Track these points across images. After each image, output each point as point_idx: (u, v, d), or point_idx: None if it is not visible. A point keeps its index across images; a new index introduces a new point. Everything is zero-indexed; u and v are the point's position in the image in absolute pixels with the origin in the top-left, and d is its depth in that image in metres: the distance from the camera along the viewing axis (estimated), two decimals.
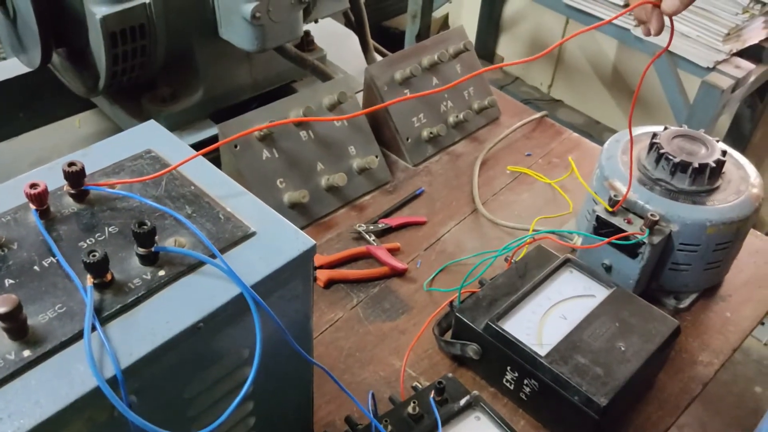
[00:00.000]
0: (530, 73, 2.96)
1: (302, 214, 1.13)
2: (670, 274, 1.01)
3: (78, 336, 0.52)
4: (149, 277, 0.57)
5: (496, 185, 1.26)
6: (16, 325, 0.51)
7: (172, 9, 1.15)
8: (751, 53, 1.97)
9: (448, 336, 0.95)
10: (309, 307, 0.67)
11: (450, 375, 0.84)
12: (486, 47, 3.02)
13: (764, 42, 1.99)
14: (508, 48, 3.02)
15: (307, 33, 1.45)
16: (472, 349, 0.90)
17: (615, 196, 0.98)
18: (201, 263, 0.58)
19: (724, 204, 0.97)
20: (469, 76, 0.88)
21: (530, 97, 2.87)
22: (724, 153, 0.99)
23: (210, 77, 1.28)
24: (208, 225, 0.62)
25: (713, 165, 0.97)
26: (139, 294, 0.55)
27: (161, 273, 0.57)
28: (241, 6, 1.11)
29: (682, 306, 1.03)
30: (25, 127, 1.42)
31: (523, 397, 0.87)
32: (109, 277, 0.55)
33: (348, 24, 1.54)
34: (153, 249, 0.57)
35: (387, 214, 1.17)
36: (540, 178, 1.28)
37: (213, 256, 0.58)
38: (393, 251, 1.10)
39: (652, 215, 0.95)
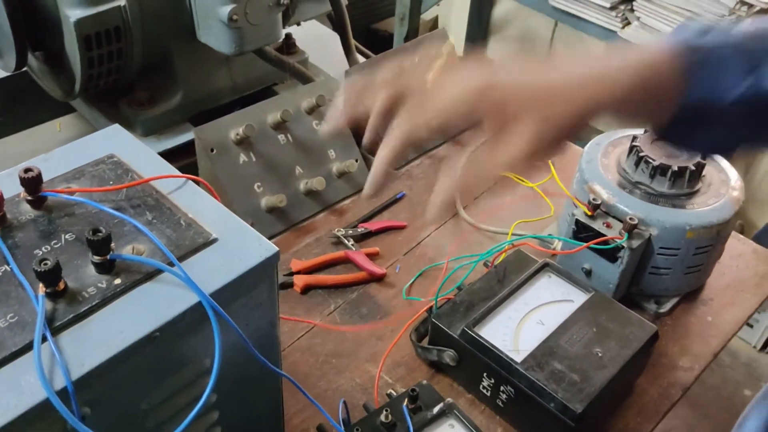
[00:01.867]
0: None
1: (280, 219, 1.12)
2: (651, 278, 1.00)
3: (28, 346, 0.51)
4: (104, 285, 0.55)
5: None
6: None
7: (148, 12, 1.13)
8: None
9: (425, 342, 0.94)
10: (274, 315, 0.66)
11: (424, 382, 0.83)
12: (476, 49, 3.01)
13: None
14: (497, 50, 3.01)
15: (288, 36, 1.44)
16: (448, 356, 0.89)
17: (594, 199, 0.97)
18: (159, 271, 0.57)
19: (703, 207, 0.96)
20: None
21: None
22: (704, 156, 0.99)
23: (188, 81, 1.27)
24: (168, 231, 0.61)
25: (693, 168, 0.96)
26: (93, 303, 0.54)
27: (117, 281, 0.56)
28: (218, 9, 1.10)
29: (662, 310, 1.02)
30: (5, 132, 1.41)
31: (500, 403, 0.86)
32: (62, 285, 0.54)
33: (334, 26, 1.53)
34: (108, 257, 0.56)
35: (367, 219, 1.16)
36: (522, 181, 1.26)
37: (172, 263, 0.57)
38: (372, 256, 1.08)
39: (630, 219, 0.94)
